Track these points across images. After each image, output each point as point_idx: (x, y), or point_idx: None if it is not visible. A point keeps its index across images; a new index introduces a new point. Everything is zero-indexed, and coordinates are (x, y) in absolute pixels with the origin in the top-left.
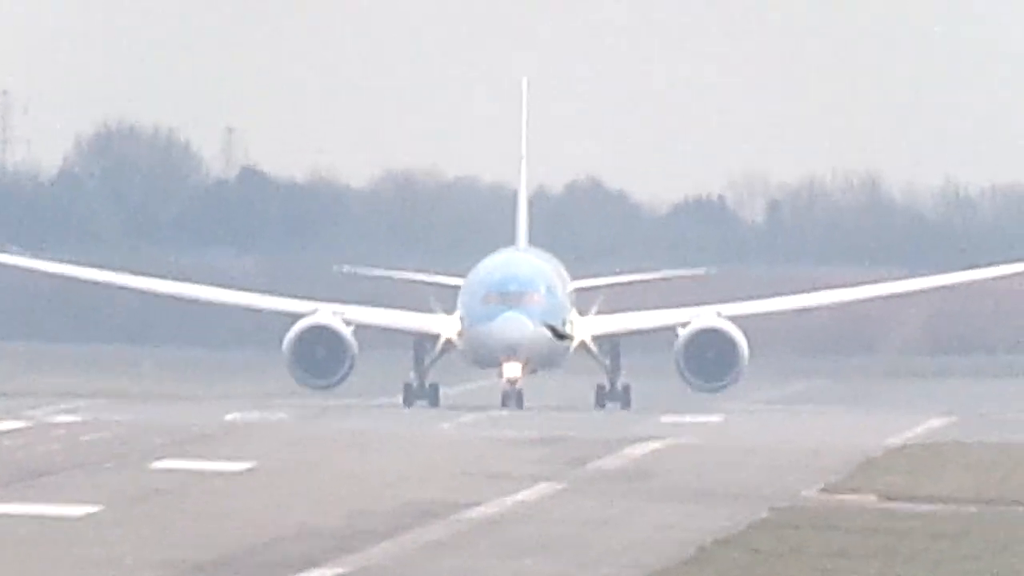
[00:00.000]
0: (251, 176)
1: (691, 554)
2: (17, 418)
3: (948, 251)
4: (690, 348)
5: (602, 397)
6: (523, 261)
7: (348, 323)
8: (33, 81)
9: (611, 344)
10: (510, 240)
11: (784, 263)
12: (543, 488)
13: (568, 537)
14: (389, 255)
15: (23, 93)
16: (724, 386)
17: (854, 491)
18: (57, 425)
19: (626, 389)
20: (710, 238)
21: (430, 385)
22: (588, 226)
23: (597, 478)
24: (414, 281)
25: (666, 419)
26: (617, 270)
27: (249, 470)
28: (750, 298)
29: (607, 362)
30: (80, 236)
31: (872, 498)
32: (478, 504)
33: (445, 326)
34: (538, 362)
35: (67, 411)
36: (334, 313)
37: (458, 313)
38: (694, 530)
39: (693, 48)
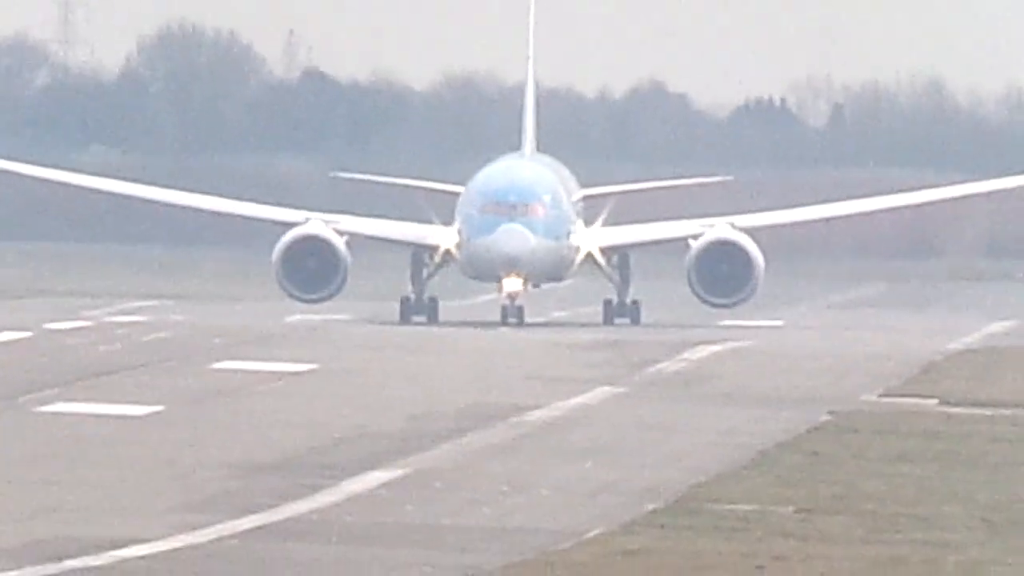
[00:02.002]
0: (313, 78)
1: (751, 458)
2: (78, 318)
3: (1011, 155)
4: (702, 261)
5: (610, 313)
6: (525, 169)
7: (341, 233)
8: None
9: (620, 257)
10: (574, 142)
11: (847, 167)
12: (603, 392)
13: (628, 441)
14: (449, 159)
15: None
16: (737, 302)
17: (914, 395)
18: (118, 325)
19: (635, 304)
20: (772, 142)
21: (429, 299)
22: (650, 130)
23: (657, 382)
24: (412, 187)
25: (725, 322)
26: (630, 178)
27: (310, 372)
28: (793, 206)
29: (616, 276)
30: (143, 137)
31: (932, 402)
32: (538, 407)
33: (444, 237)
34: (540, 276)
35: (128, 311)
36: (326, 223)
37: (456, 224)
38: (754, 434)
39: None
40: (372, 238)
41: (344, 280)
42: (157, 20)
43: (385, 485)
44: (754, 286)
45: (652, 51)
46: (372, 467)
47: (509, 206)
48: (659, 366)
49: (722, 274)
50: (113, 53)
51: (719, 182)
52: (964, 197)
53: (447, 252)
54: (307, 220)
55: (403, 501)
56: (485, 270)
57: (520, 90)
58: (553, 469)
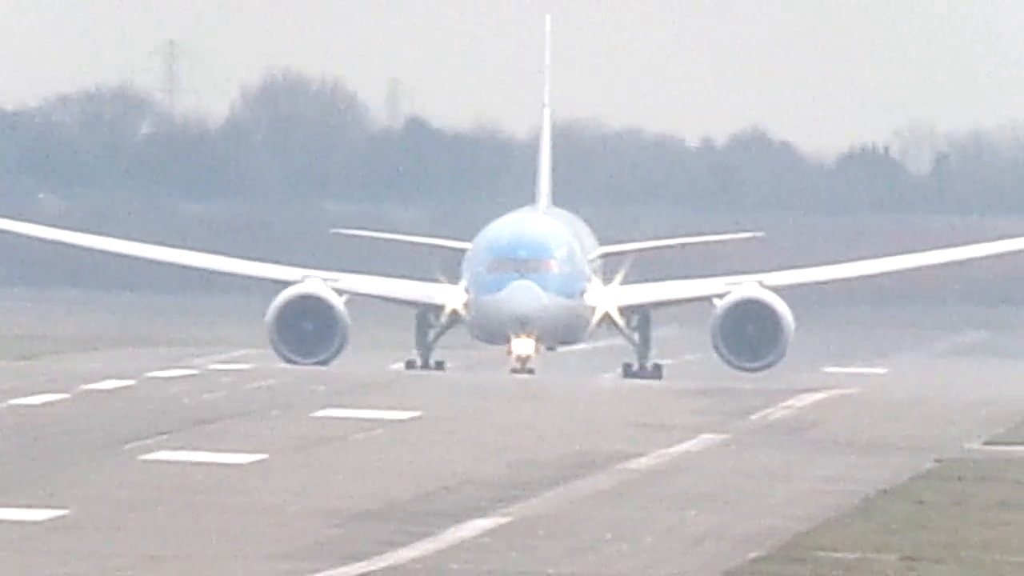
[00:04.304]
0: (416, 127)
1: (855, 505)
2: (183, 366)
3: None
4: (728, 322)
5: (630, 377)
6: (537, 223)
7: (340, 293)
8: (199, 31)
9: (641, 317)
10: (649, 190)
11: (950, 215)
12: (707, 439)
13: (732, 489)
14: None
15: (190, 43)
16: (765, 365)
17: (1019, 443)
18: (222, 373)
19: (657, 369)
20: (876, 189)
21: (436, 363)
22: (753, 178)
23: (761, 429)
24: (415, 244)
25: (829, 369)
26: (652, 235)
27: (413, 419)
28: (824, 263)
29: (636, 338)
30: (246, 186)
31: None
32: (642, 455)
33: (450, 296)
34: (554, 337)
35: (232, 360)
36: (325, 281)
37: (463, 282)
38: (858, 481)
39: None
40: (374, 297)
41: (343, 342)
42: (261, 69)
43: (489, 533)
44: (783, 348)
45: (755, 98)
46: (475, 515)
47: (519, 262)
48: (762, 413)
49: (749, 336)
50: (217, 102)
51: (752, 237)
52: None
53: (454, 312)
54: (304, 279)
55: (507, 549)
56: (494, 330)
57: (627, 135)
58: (657, 517)
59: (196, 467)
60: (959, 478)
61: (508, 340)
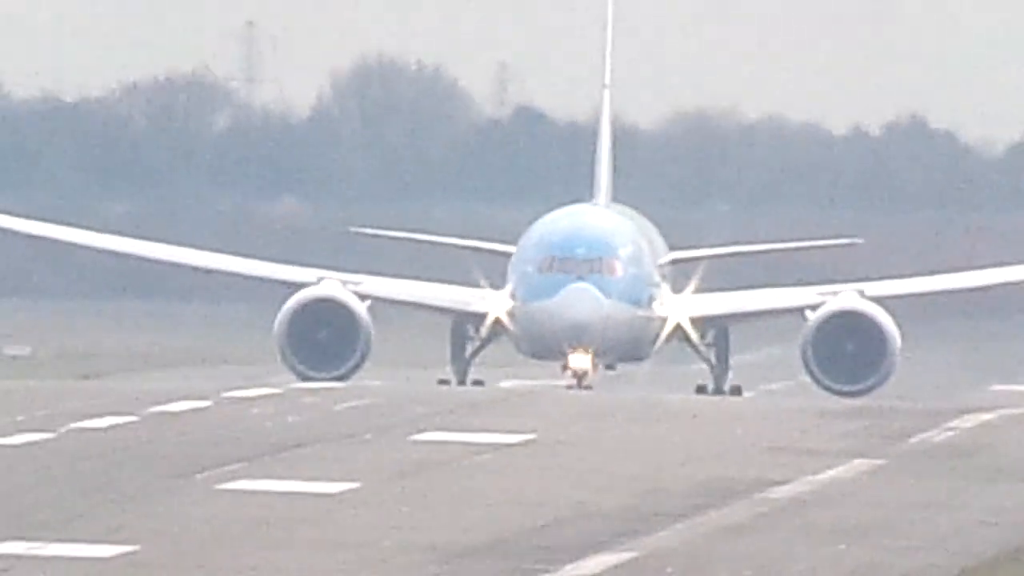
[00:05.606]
0: (527, 116)
1: None
2: (263, 385)
3: None
4: (822, 338)
5: None
6: (598, 218)
7: (363, 297)
8: (283, 12)
9: (718, 332)
10: (769, 186)
11: None
12: (859, 465)
13: (886, 521)
14: (681, 203)
15: (272, 26)
16: (866, 389)
17: None
18: (307, 392)
19: (736, 391)
20: None
21: (474, 382)
22: (910, 170)
23: (920, 454)
24: (449, 246)
25: (998, 387)
26: (735, 241)
27: (525, 443)
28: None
29: (711, 356)
30: (336, 182)
31: None
32: (784, 483)
33: (493, 303)
34: (615, 352)
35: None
36: (344, 284)
37: (509, 287)
38: None
39: None
40: (402, 303)
41: (365, 354)
42: (352, 54)
43: (612, 570)
44: (889, 368)
45: (912, 84)
46: (596, 550)
47: (576, 262)
48: (922, 436)
49: (847, 354)
50: (302, 92)
51: (847, 244)
52: None
53: (497, 322)
54: (320, 280)
55: None
56: (545, 343)
57: (767, 125)
58: (802, 551)
59: (279, 497)
60: None
61: (560, 355)
